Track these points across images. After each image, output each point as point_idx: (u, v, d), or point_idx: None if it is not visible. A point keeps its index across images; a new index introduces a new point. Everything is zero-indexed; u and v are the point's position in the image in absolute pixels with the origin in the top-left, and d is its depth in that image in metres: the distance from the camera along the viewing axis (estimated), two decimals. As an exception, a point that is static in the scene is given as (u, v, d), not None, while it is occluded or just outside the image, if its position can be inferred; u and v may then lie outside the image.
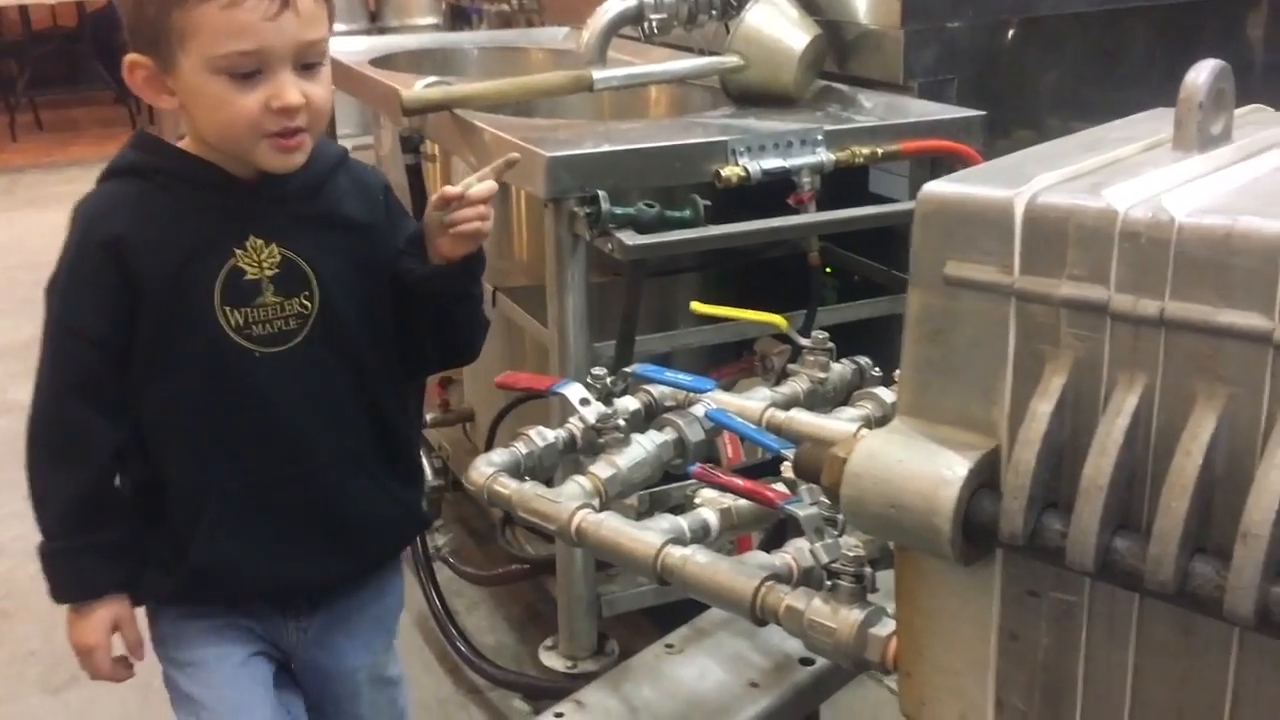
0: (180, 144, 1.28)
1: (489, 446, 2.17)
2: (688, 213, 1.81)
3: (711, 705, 0.97)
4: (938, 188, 0.67)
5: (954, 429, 0.68)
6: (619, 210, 1.77)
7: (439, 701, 2.23)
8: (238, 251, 1.23)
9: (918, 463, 0.67)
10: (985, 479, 0.67)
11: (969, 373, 0.68)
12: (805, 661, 1.02)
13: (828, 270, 2.46)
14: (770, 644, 1.04)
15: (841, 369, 1.26)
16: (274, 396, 1.26)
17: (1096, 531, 0.61)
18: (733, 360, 2.25)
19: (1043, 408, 0.63)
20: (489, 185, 1.29)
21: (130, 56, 1.22)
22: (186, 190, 1.25)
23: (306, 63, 1.18)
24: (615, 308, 1.97)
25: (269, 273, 1.25)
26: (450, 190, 1.27)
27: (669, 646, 1.06)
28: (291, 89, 1.17)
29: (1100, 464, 0.61)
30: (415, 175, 2.31)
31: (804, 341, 1.26)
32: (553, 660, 2.15)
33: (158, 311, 1.23)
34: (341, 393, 1.30)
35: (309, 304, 1.26)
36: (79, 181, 6.34)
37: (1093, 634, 0.66)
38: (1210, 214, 0.58)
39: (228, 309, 1.23)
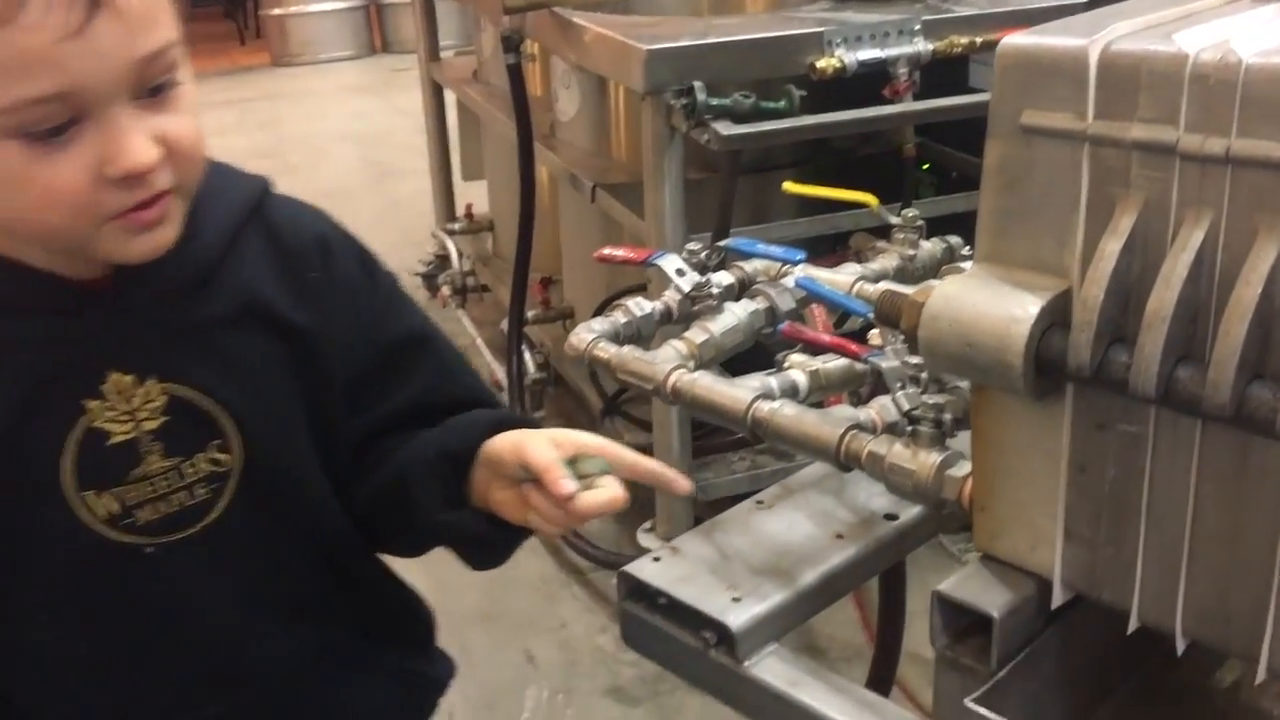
0: None
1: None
2: (783, 103, 1.84)
3: (799, 554, 1.03)
4: (1016, 40, 0.70)
5: (1028, 272, 0.72)
6: (715, 102, 1.81)
7: (543, 580, 2.35)
8: (91, 404, 0.81)
9: (992, 304, 0.72)
10: (1057, 318, 0.71)
11: (1043, 218, 0.71)
12: (889, 517, 1.07)
13: (925, 167, 2.46)
14: (856, 501, 1.10)
15: (931, 247, 1.29)
16: (187, 605, 0.86)
17: (1159, 360, 0.65)
18: (828, 254, 2.28)
19: (1111, 246, 0.67)
20: (609, 496, 0.83)
21: None
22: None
23: (155, 85, 0.74)
24: (711, 204, 2.02)
25: (150, 426, 0.82)
26: (562, 485, 0.81)
27: (759, 503, 1.12)
28: (135, 141, 0.73)
29: (1164, 296, 0.65)
30: (516, 75, 2.36)
31: (894, 220, 1.29)
32: (650, 542, 2.25)
33: None
34: (293, 570, 0.90)
35: (224, 458, 0.85)
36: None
37: (1156, 463, 0.70)
38: (1276, 54, 0.61)
39: (89, 495, 0.82)
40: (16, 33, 0.68)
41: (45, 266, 0.80)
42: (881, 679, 1.46)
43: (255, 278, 0.87)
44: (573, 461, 0.83)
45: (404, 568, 0.99)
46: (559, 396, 2.82)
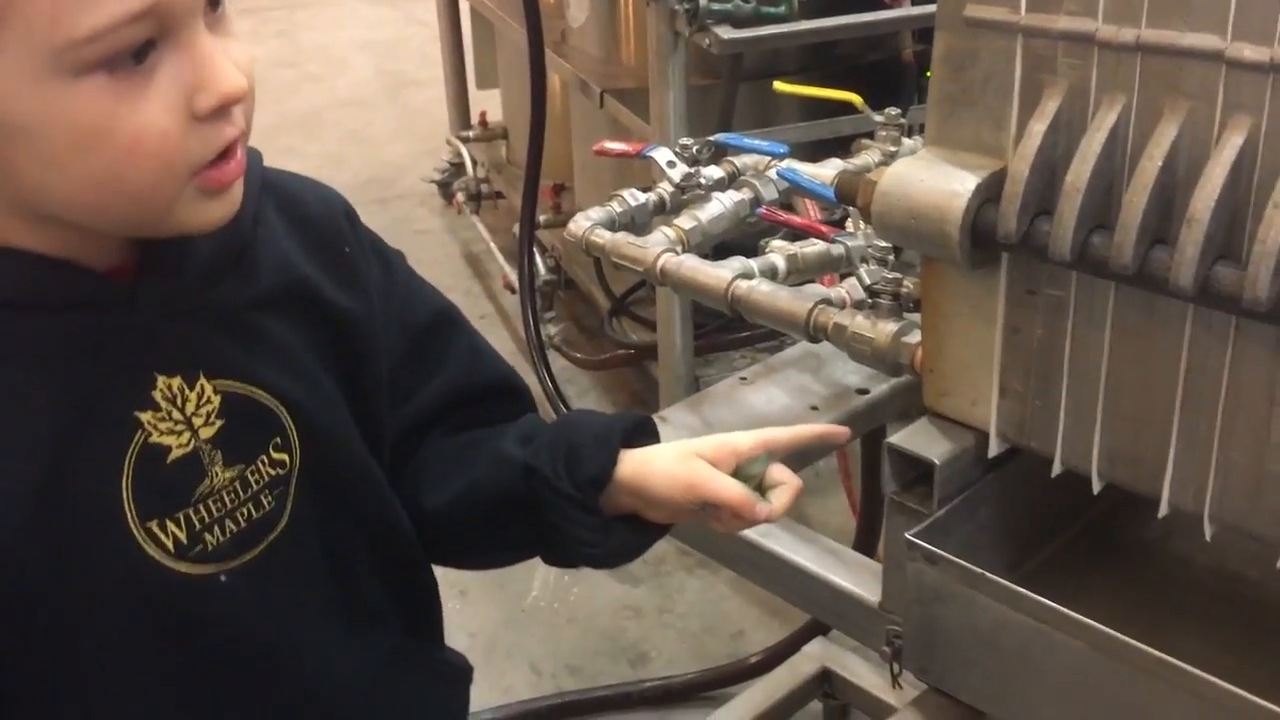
0: None
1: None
2: (782, 8, 1.89)
3: (775, 422, 1.11)
4: (959, -60, 0.78)
5: (970, 154, 0.81)
6: (716, 6, 1.86)
7: (552, 472, 2.46)
8: (144, 415, 0.70)
9: (935, 181, 0.80)
10: (994, 194, 0.79)
11: (983, 103, 0.79)
12: (861, 391, 1.17)
13: (928, 75, 2.51)
14: (832, 377, 1.19)
15: (912, 144, 1.37)
16: (266, 629, 0.77)
17: (1074, 227, 0.73)
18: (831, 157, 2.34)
19: (1037, 127, 0.75)
20: (792, 492, 0.81)
21: None
22: (16, 329, 0.67)
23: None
24: (715, 110, 2.08)
25: (207, 434, 0.72)
26: (761, 513, 0.79)
27: (743, 379, 1.21)
28: (224, 64, 0.64)
29: (1080, 170, 0.73)
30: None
31: (878, 117, 1.37)
32: (654, 435, 2.35)
33: (19, 584, 0.67)
34: (359, 571, 0.83)
35: (285, 458, 0.76)
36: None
37: (1077, 323, 0.79)
38: (1182, -49, 0.68)
39: (153, 525, 0.70)
40: None
41: (61, 254, 0.67)
42: (865, 547, 1.57)
43: (290, 254, 0.77)
44: (736, 471, 0.80)
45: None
46: (569, 299, 2.91)
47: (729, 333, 2.34)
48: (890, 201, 0.82)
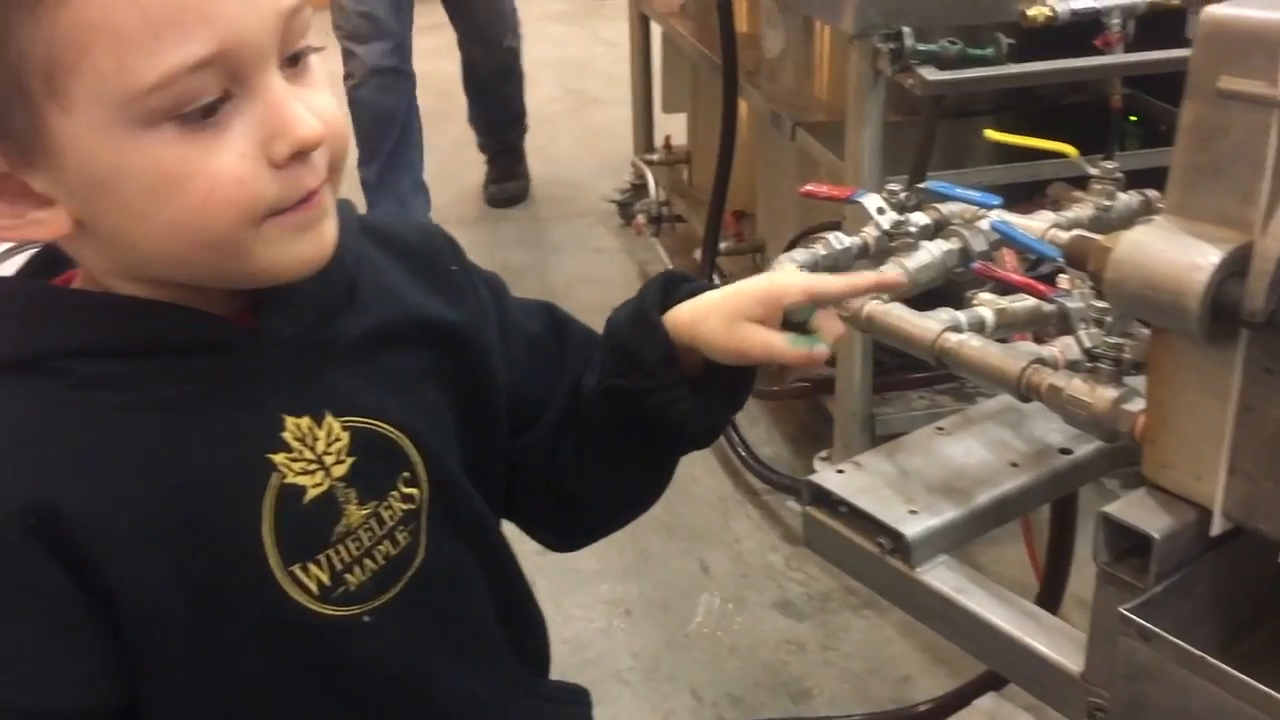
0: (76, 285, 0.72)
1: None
2: (990, 51, 1.87)
3: (973, 476, 1.11)
4: (1217, 11, 0.76)
5: (1212, 226, 0.79)
6: (922, 47, 1.85)
7: (720, 499, 2.47)
8: (276, 457, 0.70)
9: (1175, 251, 0.78)
10: (1236, 268, 0.77)
11: (1231, 176, 0.77)
12: (1064, 451, 1.14)
13: (1132, 119, 2.44)
14: (1033, 434, 1.17)
15: (1128, 199, 1.33)
16: (409, 667, 0.77)
17: (1328, 311, 0.71)
18: (1023, 202, 2.29)
19: (1292, 205, 0.73)
20: (835, 333, 0.85)
21: None
22: (142, 377, 0.68)
23: (295, 53, 0.66)
24: (908, 146, 2.07)
25: (339, 472, 0.73)
26: (807, 358, 0.83)
27: (940, 429, 1.20)
28: (298, 111, 0.65)
29: (1338, 252, 0.70)
30: (725, 11, 2.44)
31: (1093, 170, 1.34)
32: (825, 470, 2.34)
33: (161, 634, 0.67)
34: (480, 600, 0.84)
35: (415, 492, 0.76)
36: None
37: (1320, 407, 0.77)
38: None
39: (296, 569, 0.70)
40: None
41: (179, 301, 0.69)
42: (1046, 607, 1.53)
43: (396, 285, 0.79)
44: (784, 320, 0.83)
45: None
46: (745, 326, 2.93)
47: (909, 372, 2.31)
48: (1125, 270, 0.81)
